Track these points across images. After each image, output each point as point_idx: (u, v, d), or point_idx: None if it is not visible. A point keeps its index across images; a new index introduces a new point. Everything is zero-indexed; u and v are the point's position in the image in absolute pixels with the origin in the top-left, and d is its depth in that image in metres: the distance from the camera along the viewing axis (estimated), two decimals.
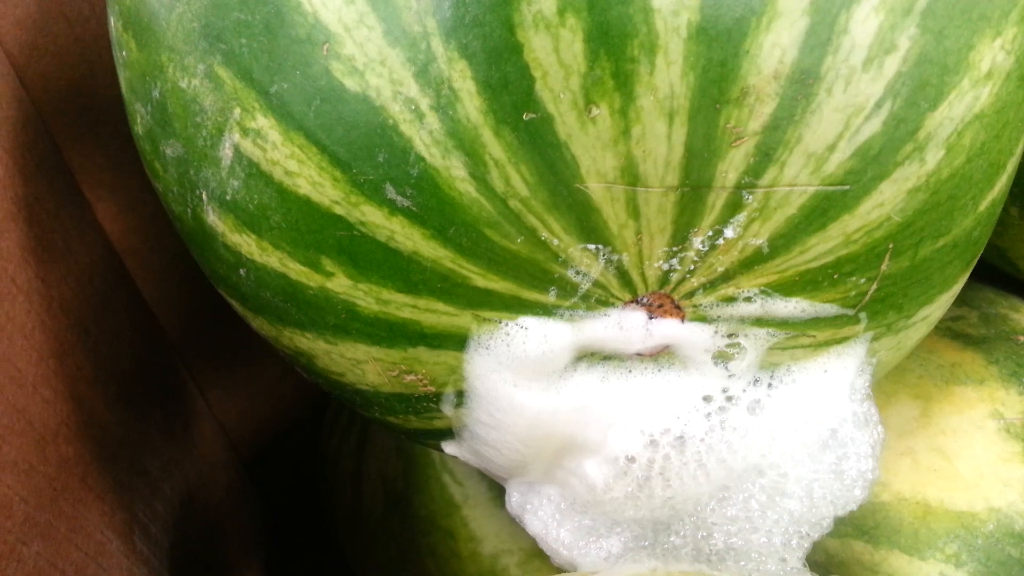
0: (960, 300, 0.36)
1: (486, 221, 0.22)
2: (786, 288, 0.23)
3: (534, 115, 0.20)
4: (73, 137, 0.35)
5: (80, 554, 0.27)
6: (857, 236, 0.22)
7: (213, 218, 0.24)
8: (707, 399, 0.26)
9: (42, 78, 0.33)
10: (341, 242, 0.23)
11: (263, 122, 0.22)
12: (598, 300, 0.24)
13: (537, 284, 0.23)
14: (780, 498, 0.26)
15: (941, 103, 0.21)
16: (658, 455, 0.26)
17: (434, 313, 0.24)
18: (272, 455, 0.52)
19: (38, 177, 0.31)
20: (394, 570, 0.41)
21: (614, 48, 0.19)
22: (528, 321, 0.24)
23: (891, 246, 0.23)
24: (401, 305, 0.23)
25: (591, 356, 0.25)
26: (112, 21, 0.26)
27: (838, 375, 0.26)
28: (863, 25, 0.20)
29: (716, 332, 0.24)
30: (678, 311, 0.24)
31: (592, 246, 0.22)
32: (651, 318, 0.24)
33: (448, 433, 0.28)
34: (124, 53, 0.25)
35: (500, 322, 0.24)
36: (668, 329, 0.24)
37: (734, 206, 0.22)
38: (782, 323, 0.24)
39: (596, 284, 0.23)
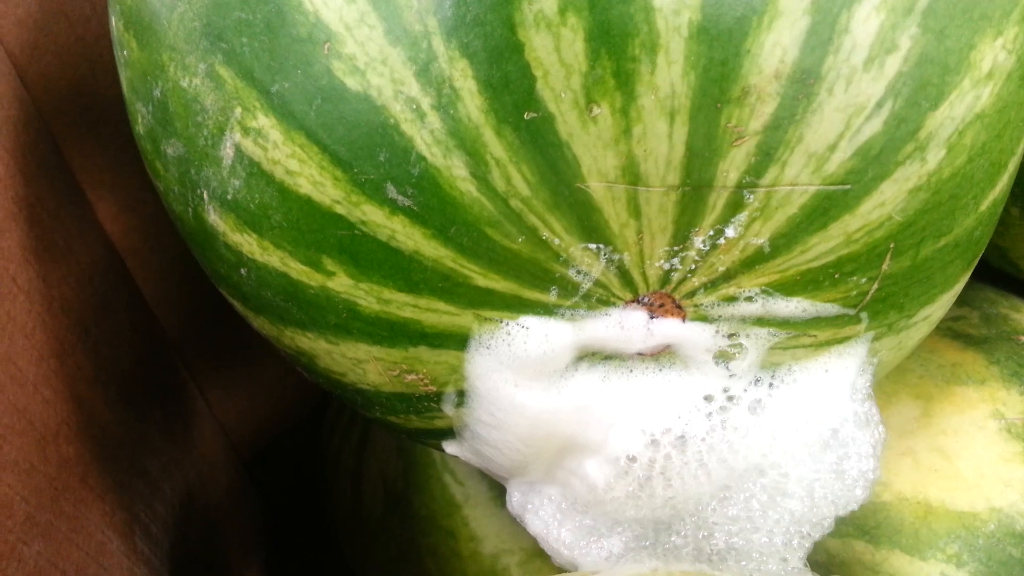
0: (961, 300, 0.36)
1: (487, 221, 0.22)
2: (787, 288, 0.23)
3: (535, 114, 0.20)
4: (74, 137, 0.35)
5: (81, 554, 0.27)
6: (858, 236, 0.22)
7: (214, 217, 0.24)
8: (708, 399, 0.26)
9: (43, 78, 0.33)
10: (342, 241, 0.23)
11: (264, 121, 0.22)
12: (599, 300, 0.24)
13: (538, 284, 0.23)
14: (781, 498, 0.26)
15: (942, 103, 0.21)
16: (659, 455, 0.26)
17: (435, 313, 0.24)
18: (272, 455, 0.52)
19: (39, 177, 0.31)
20: (394, 570, 0.41)
21: (615, 47, 0.19)
22: (529, 321, 0.24)
23: (892, 246, 0.23)
24: (402, 305, 0.23)
25: (592, 356, 0.25)
26: (113, 21, 0.26)
27: (839, 375, 0.26)
28: (864, 25, 0.20)
29: (717, 332, 0.24)
30: (679, 311, 0.24)
31: (593, 245, 0.22)
32: (652, 318, 0.24)
33: (449, 433, 0.28)
34: (125, 52, 0.25)
35: (501, 322, 0.24)
36: (669, 329, 0.24)
37: (735, 205, 0.22)
38: (783, 323, 0.24)
39: (597, 284, 0.23)
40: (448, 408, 0.26)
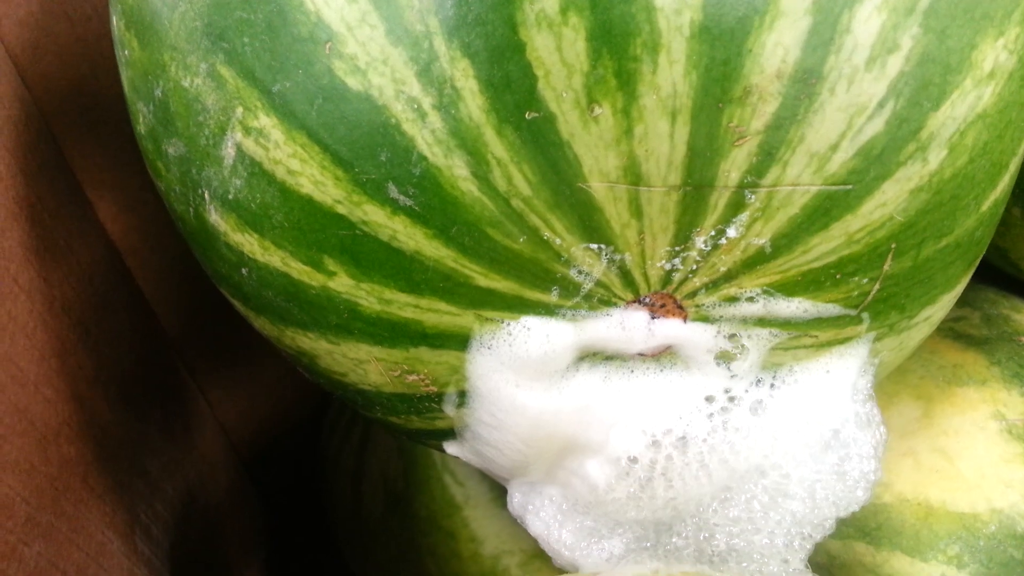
0: (962, 301, 0.36)
1: (488, 220, 0.22)
2: (788, 288, 0.23)
3: (536, 114, 0.20)
4: (75, 136, 0.35)
5: (81, 554, 0.27)
6: (860, 236, 0.22)
7: (215, 217, 0.24)
8: (709, 399, 0.26)
9: (44, 77, 0.33)
10: (343, 241, 0.23)
11: (265, 121, 0.22)
12: (600, 300, 0.24)
13: (539, 284, 0.23)
14: (782, 499, 0.26)
15: (944, 103, 0.21)
16: (660, 455, 0.26)
17: (436, 313, 0.24)
18: (272, 455, 0.52)
19: (40, 177, 0.31)
20: (394, 570, 0.41)
21: (617, 47, 0.19)
22: (530, 321, 0.24)
23: (894, 246, 0.23)
24: (403, 305, 0.23)
25: (593, 356, 0.25)
26: (114, 20, 0.26)
27: (840, 375, 0.26)
28: (866, 24, 0.20)
29: (718, 332, 0.24)
30: (680, 311, 0.24)
31: (594, 246, 0.22)
32: (653, 318, 0.24)
33: (450, 433, 0.28)
34: (126, 52, 0.25)
35: (502, 322, 0.24)
36: (670, 329, 0.24)
37: (737, 205, 0.21)
38: (784, 323, 0.24)
39: (598, 284, 0.23)
40: (449, 408, 0.26)
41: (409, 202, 0.21)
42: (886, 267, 0.23)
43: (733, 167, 0.21)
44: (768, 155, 0.21)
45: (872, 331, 0.25)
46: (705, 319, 0.24)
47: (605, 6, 0.19)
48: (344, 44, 0.20)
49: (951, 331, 0.35)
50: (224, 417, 0.48)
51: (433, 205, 0.21)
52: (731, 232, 0.22)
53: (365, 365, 0.26)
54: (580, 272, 0.23)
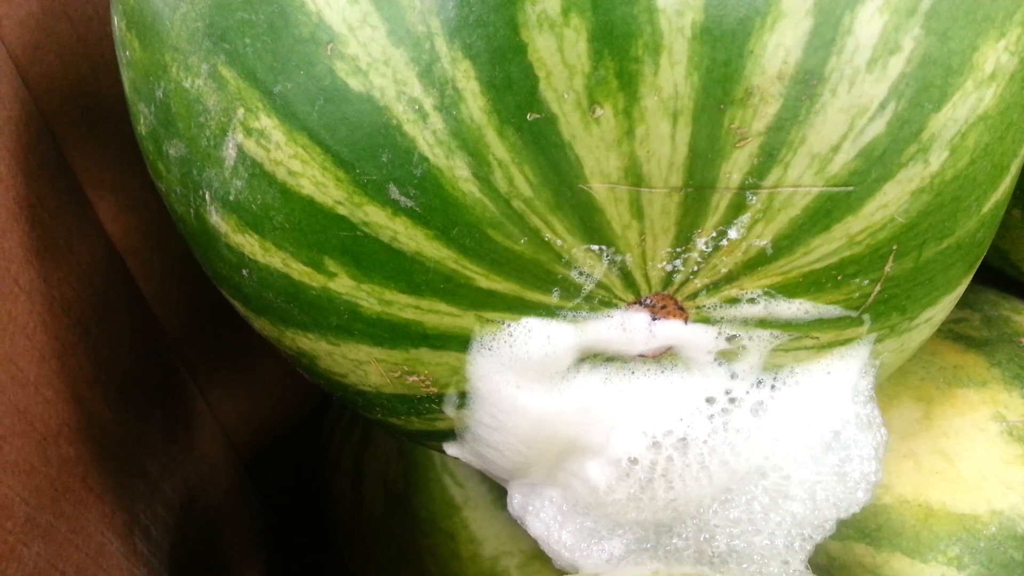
0: (962, 302, 0.36)
1: (489, 222, 0.22)
2: (789, 289, 0.23)
3: (538, 115, 0.20)
4: (75, 137, 0.35)
5: (80, 555, 0.27)
6: (861, 237, 0.22)
7: (216, 218, 0.24)
8: (710, 401, 0.26)
9: (45, 78, 0.33)
10: (344, 242, 0.23)
11: (266, 122, 0.22)
12: (601, 301, 0.24)
13: (540, 285, 0.23)
14: (783, 500, 0.26)
15: (945, 104, 0.21)
16: (661, 457, 0.26)
17: (437, 314, 0.24)
18: (272, 455, 0.52)
19: (40, 177, 0.31)
20: (394, 571, 0.41)
21: (618, 48, 0.19)
22: (531, 322, 0.24)
23: (895, 247, 0.23)
24: (404, 306, 0.23)
25: (594, 357, 0.25)
26: (116, 21, 0.26)
27: (841, 377, 0.26)
28: (867, 26, 0.20)
29: (719, 333, 0.24)
30: (681, 312, 0.24)
31: (596, 247, 0.22)
32: (654, 319, 0.24)
33: (450, 434, 0.28)
34: (127, 53, 0.25)
35: (503, 323, 0.24)
36: (671, 330, 0.24)
37: (738, 207, 0.21)
38: (785, 324, 0.24)
39: (599, 285, 0.23)
40: (449, 410, 0.26)
41: (410, 203, 0.21)
42: (887, 268, 0.23)
43: (734, 168, 0.21)
44: (769, 156, 0.21)
45: (873, 332, 0.25)
46: (706, 320, 0.24)
47: (607, 7, 0.19)
48: (346, 45, 0.20)
49: (951, 333, 0.35)
50: (224, 418, 0.48)
51: (434, 206, 0.21)
52: (732, 233, 0.22)
53: (365, 366, 0.26)
54: (581, 273, 0.23)
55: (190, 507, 0.39)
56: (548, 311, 0.24)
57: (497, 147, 0.21)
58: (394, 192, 0.21)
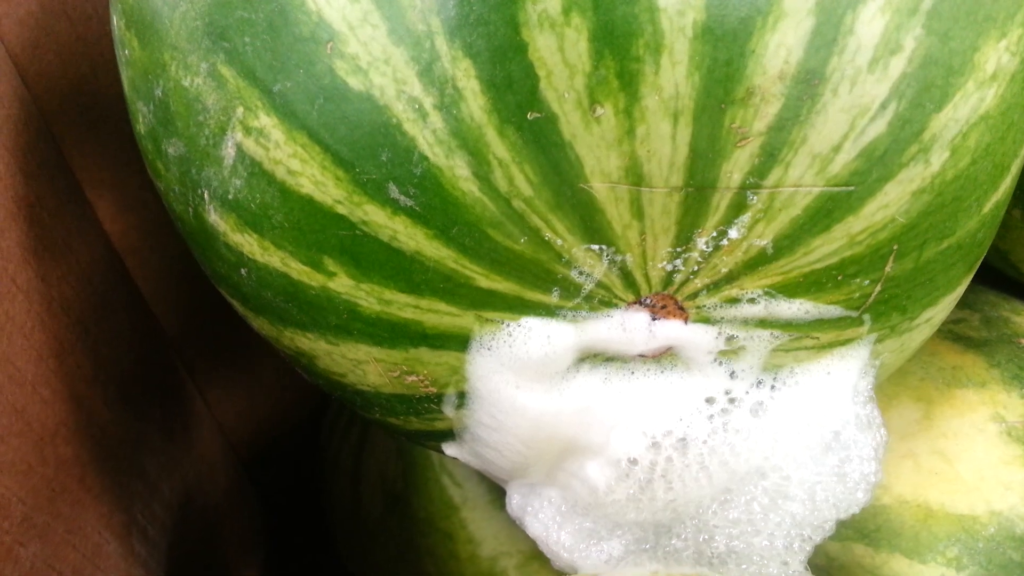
0: (962, 303, 0.36)
1: (489, 221, 0.22)
2: (790, 289, 0.23)
3: (538, 114, 0.20)
4: (74, 136, 0.35)
5: (77, 555, 0.27)
6: (861, 237, 0.22)
7: (215, 217, 0.24)
8: (710, 401, 0.26)
9: (44, 77, 0.33)
10: (343, 242, 0.22)
11: (266, 121, 0.22)
12: (601, 301, 0.23)
13: (540, 285, 0.23)
14: (782, 501, 0.26)
15: (946, 104, 0.21)
16: (660, 457, 0.26)
17: (436, 313, 0.23)
18: (271, 455, 0.52)
19: (39, 176, 0.31)
20: (392, 571, 0.41)
21: (619, 47, 0.19)
22: (531, 322, 0.24)
23: (895, 248, 0.23)
24: (403, 305, 0.23)
25: (594, 357, 0.25)
26: (115, 20, 0.26)
27: (841, 377, 0.26)
28: (869, 26, 0.20)
29: (719, 333, 0.24)
30: (681, 312, 0.24)
31: (596, 247, 0.22)
32: (654, 319, 0.24)
33: (449, 435, 0.28)
34: (126, 52, 0.25)
35: (503, 323, 0.24)
36: (671, 330, 0.24)
37: (738, 207, 0.21)
38: (786, 325, 0.24)
39: (599, 285, 0.23)
40: (448, 410, 0.26)
41: (410, 202, 0.21)
42: (888, 268, 0.23)
43: (735, 168, 0.21)
44: (770, 156, 0.21)
45: (873, 333, 0.25)
46: (706, 320, 0.24)
47: (608, 7, 0.19)
48: (346, 44, 0.20)
49: (951, 333, 0.35)
50: (223, 417, 0.48)
51: (434, 205, 0.21)
52: (733, 233, 0.22)
53: (364, 366, 0.26)
54: (581, 273, 0.23)
55: (188, 507, 0.39)
56: (548, 311, 0.23)
57: (497, 146, 0.21)
58: (394, 191, 0.21)
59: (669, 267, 0.23)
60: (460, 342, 0.24)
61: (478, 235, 0.22)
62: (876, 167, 0.21)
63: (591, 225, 0.22)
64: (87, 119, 0.36)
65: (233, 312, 0.28)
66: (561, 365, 0.24)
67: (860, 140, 0.21)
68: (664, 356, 0.25)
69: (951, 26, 0.20)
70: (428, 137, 0.21)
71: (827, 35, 0.19)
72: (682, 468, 0.26)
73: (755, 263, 0.23)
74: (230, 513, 0.46)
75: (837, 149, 0.21)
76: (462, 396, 0.26)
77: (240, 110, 0.22)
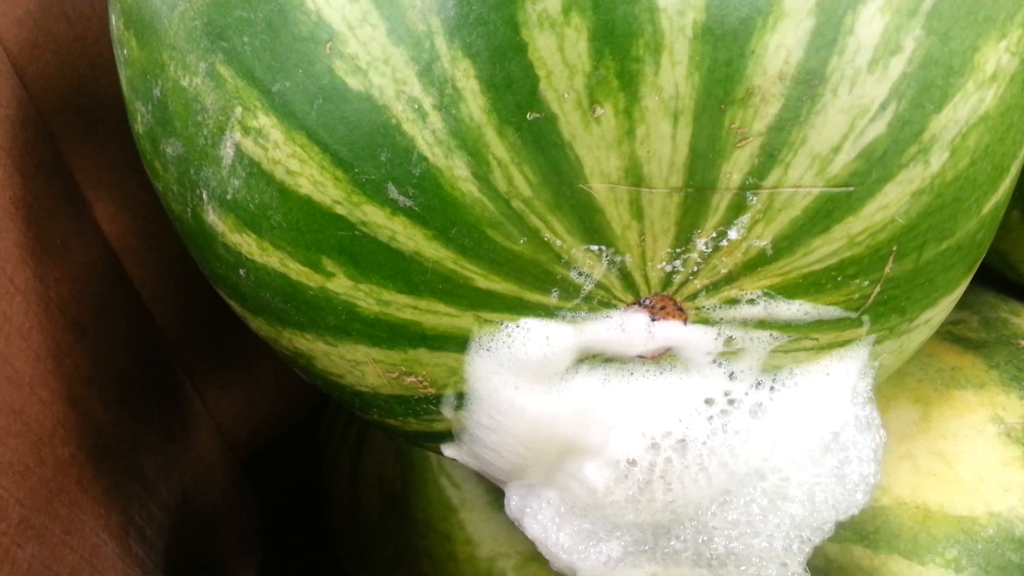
0: (961, 304, 0.36)
1: (488, 222, 0.21)
2: (789, 290, 0.23)
3: (538, 115, 0.20)
4: (72, 136, 0.35)
5: (75, 556, 0.27)
6: (861, 238, 0.22)
7: (213, 218, 0.24)
8: (709, 402, 0.26)
9: (42, 77, 0.33)
10: (342, 242, 0.22)
11: (265, 121, 0.22)
12: (600, 302, 0.23)
13: (539, 285, 0.23)
14: (781, 502, 0.26)
15: (946, 105, 0.21)
16: (659, 458, 0.26)
17: (435, 314, 0.23)
18: (269, 456, 0.52)
19: (37, 176, 0.31)
20: (390, 572, 0.41)
21: (619, 48, 0.19)
22: (530, 322, 0.24)
23: (895, 248, 0.23)
24: (402, 306, 0.23)
25: (593, 358, 0.25)
26: (113, 19, 0.26)
27: (840, 378, 0.26)
28: (869, 26, 0.20)
29: (718, 334, 0.24)
30: (681, 313, 0.24)
31: (595, 247, 0.22)
32: (653, 320, 0.24)
33: (448, 436, 0.28)
34: (125, 51, 0.25)
35: (501, 323, 0.24)
36: (670, 331, 0.24)
37: (738, 207, 0.21)
38: (785, 326, 0.24)
39: (599, 285, 0.23)
40: (447, 411, 0.26)
41: (409, 203, 0.21)
42: (887, 269, 0.23)
43: (735, 169, 0.21)
44: (770, 157, 0.21)
45: (872, 334, 0.25)
46: (705, 321, 0.24)
47: (608, 6, 0.19)
48: (345, 44, 0.20)
49: (950, 334, 0.35)
50: (221, 417, 0.48)
51: (433, 206, 0.21)
52: (732, 234, 0.22)
53: (363, 367, 0.26)
54: (580, 274, 0.23)
55: (186, 508, 0.39)
56: (547, 311, 0.23)
57: (496, 147, 0.20)
58: (393, 192, 0.21)
59: (668, 268, 0.23)
60: (459, 343, 0.24)
61: (477, 236, 0.22)
62: (876, 168, 0.21)
63: (590, 226, 0.22)
64: (85, 119, 0.35)
65: (231, 313, 0.28)
66: (560, 366, 0.24)
67: (860, 141, 0.21)
68: (663, 357, 0.25)
69: (951, 26, 0.20)
70: (427, 137, 0.21)
71: (827, 35, 0.19)
72: (681, 469, 0.26)
73: (754, 264, 0.23)
74: (228, 514, 0.46)
75: (837, 150, 0.21)
76: (461, 397, 0.26)
77: (239, 110, 0.22)
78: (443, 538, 0.38)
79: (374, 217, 0.22)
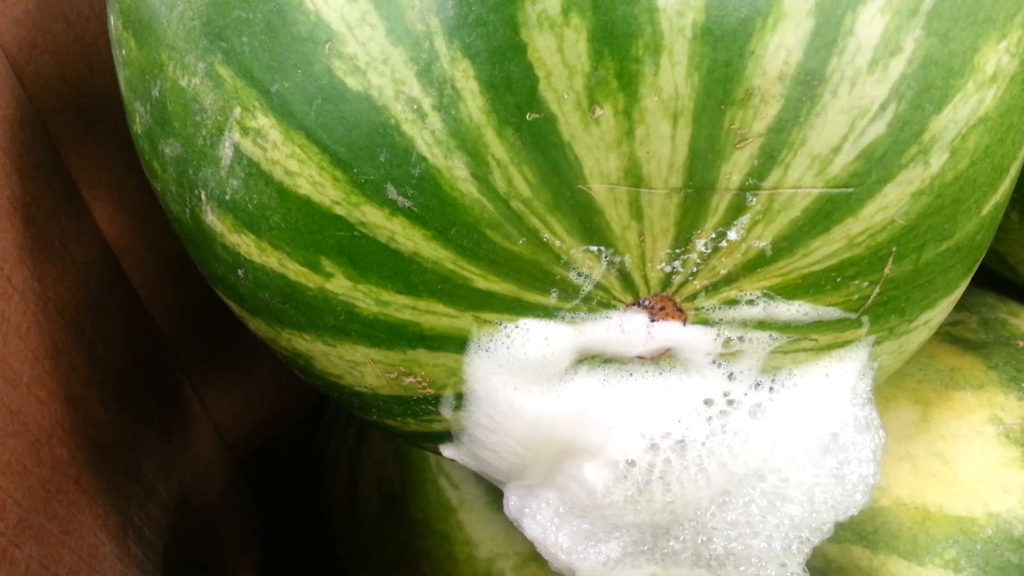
0: (960, 305, 0.36)
1: (488, 222, 0.21)
2: (789, 291, 0.23)
3: (537, 115, 0.20)
4: (71, 136, 0.35)
5: (73, 557, 0.27)
6: (860, 239, 0.22)
7: (212, 218, 0.24)
8: (708, 403, 0.26)
9: (40, 77, 0.33)
10: (341, 243, 0.22)
11: (263, 121, 0.22)
12: (600, 302, 0.23)
13: (538, 286, 0.23)
14: (781, 503, 0.26)
15: (946, 106, 0.21)
16: (658, 459, 0.26)
17: (434, 315, 0.23)
18: (268, 456, 0.52)
19: (35, 176, 0.31)
20: (389, 572, 0.41)
21: (618, 48, 0.19)
22: (529, 323, 0.24)
23: (894, 249, 0.23)
24: (401, 307, 0.23)
25: (592, 359, 0.25)
26: (112, 20, 0.25)
27: (840, 379, 0.26)
28: (869, 27, 0.20)
29: (718, 335, 0.24)
30: (680, 314, 0.24)
31: (594, 248, 0.22)
32: (653, 321, 0.24)
33: (447, 436, 0.28)
34: (124, 52, 0.25)
35: (501, 324, 0.24)
36: (670, 332, 0.24)
37: (737, 208, 0.21)
38: (784, 326, 0.24)
39: (598, 286, 0.23)
40: (446, 411, 0.26)
41: (408, 203, 0.21)
42: (887, 270, 0.23)
43: (734, 169, 0.21)
44: (770, 157, 0.21)
45: (872, 335, 0.25)
46: (705, 322, 0.24)
47: (607, 7, 0.19)
48: (344, 44, 0.20)
49: (949, 335, 0.35)
50: (219, 418, 0.48)
51: (432, 206, 0.21)
52: (732, 235, 0.22)
53: (362, 367, 0.25)
54: (580, 274, 0.23)
55: (184, 508, 0.39)
56: (546, 312, 0.23)
57: (496, 147, 0.20)
58: (392, 192, 0.21)
59: (668, 268, 0.23)
60: (458, 343, 0.24)
61: (476, 236, 0.22)
62: (875, 169, 0.21)
63: (590, 226, 0.22)
64: (84, 119, 0.35)
65: (230, 313, 0.28)
66: (559, 367, 0.24)
67: (859, 141, 0.21)
68: (662, 358, 0.25)
69: (951, 27, 0.20)
70: (427, 138, 0.21)
71: (827, 36, 0.19)
72: (680, 470, 0.26)
73: (754, 265, 0.23)
74: (227, 514, 0.46)
75: (836, 150, 0.21)
76: (460, 398, 0.26)
77: (238, 110, 0.22)
78: (442, 538, 0.38)
79: (373, 217, 0.22)
